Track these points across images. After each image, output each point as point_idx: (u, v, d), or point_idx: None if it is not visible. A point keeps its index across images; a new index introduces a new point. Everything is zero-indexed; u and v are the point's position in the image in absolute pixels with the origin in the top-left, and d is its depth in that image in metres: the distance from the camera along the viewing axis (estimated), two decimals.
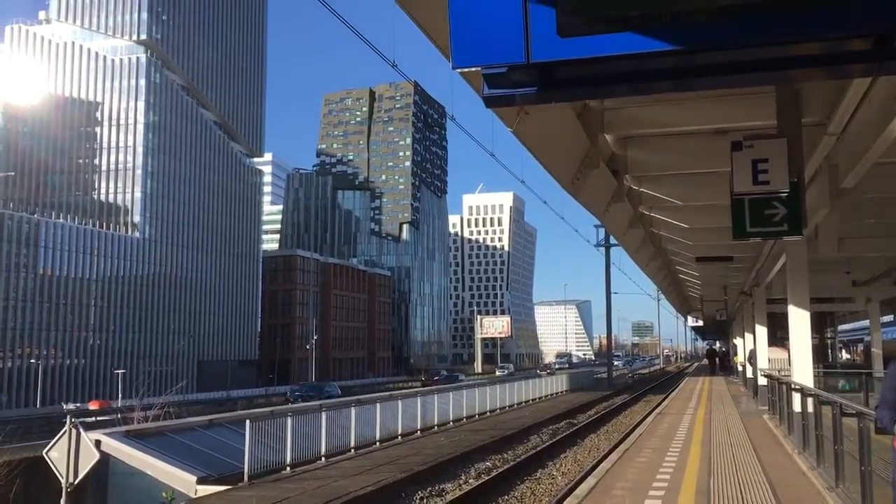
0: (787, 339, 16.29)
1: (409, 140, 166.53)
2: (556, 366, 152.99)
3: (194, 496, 14.60)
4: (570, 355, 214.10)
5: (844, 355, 54.80)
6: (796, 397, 13.50)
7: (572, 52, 2.73)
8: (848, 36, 2.58)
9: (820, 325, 33.74)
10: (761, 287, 24.57)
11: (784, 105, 7.85)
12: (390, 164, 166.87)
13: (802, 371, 13.81)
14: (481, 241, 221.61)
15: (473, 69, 2.90)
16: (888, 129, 7.47)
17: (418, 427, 23.19)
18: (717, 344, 77.16)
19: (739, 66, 2.79)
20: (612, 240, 53.01)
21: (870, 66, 2.77)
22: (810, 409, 11.91)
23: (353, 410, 19.35)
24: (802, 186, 7.45)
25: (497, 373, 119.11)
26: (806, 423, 12.31)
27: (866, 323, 35.69)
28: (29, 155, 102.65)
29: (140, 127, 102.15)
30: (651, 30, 2.67)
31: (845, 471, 8.95)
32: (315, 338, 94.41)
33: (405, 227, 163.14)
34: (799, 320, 14.04)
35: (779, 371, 20.74)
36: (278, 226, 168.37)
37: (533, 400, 38.68)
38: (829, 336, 37.28)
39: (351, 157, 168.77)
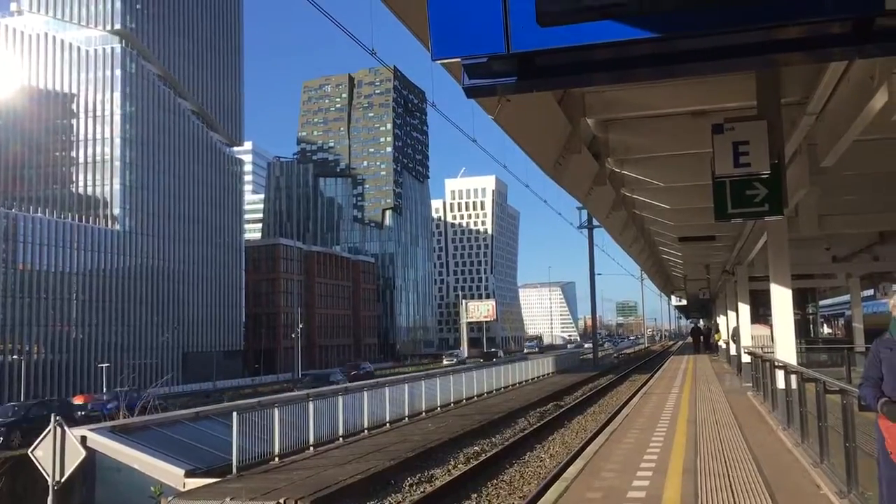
0: (770, 315, 16.42)
1: (389, 126, 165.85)
2: (526, 350, 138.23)
3: (183, 489, 14.56)
4: (540, 338, 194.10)
5: (826, 330, 55.44)
6: (780, 374, 13.63)
7: (552, 41, 2.72)
8: (827, 20, 2.58)
9: (801, 300, 34.05)
10: (743, 265, 24.75)
11: (763, 86, 7.88)
12: (371, 150, 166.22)
13: (785, 348, 13.93)
14: (464, 225, 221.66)
15: (454, 60, 2.88)
16: (867, 107, 7.50)
17: (406, 414, 23.24)
18: (701, 322, 77.75)
19: (719, 51, 2.79)
20: (596, 222, 53.19)
21: (849, 50, 2.78)
22: (794, 385, 12.02)
23: (340, 399, 19.36)
24: (783, 167, 7.49)
25: (444, 361, 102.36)
26: (790, 399, 12.43)
27: (847, 298, 36.07)
28: (4, 149, 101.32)
29: (117, 118, 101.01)
30: (630, 17, 2.66)
31: (830, 447, 9.04)
32: (300, 326, 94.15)
33: (388, 213, 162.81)
34: (781, 297, 14.14)
35: (762, 348, 20.92)
36: (260, 215, 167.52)
37: (520, 383, 38.88)
38: (810, 312, 37.62)
39: (332, 144, 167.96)
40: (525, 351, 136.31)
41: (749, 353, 22.52)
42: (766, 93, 7.85)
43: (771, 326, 16.99)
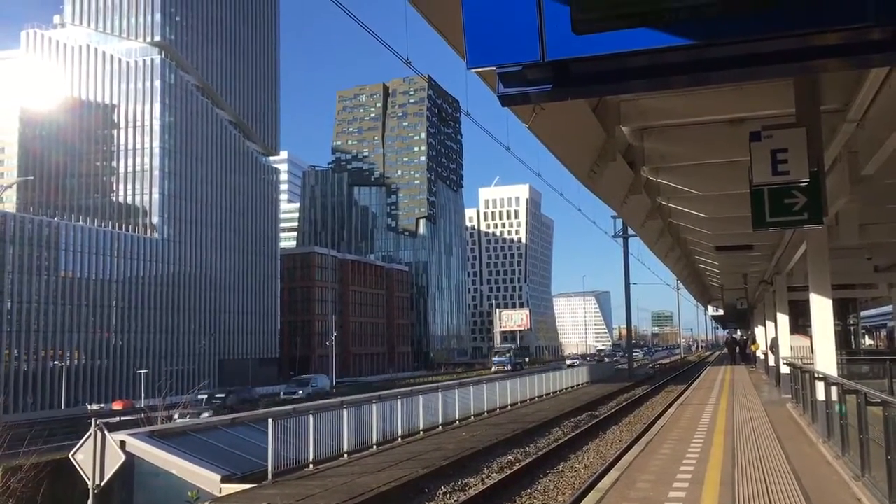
0: (809, 326, 16.16)
1: (423, 135, 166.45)
2: (495, 367, 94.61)
3: (219, 495, 14.70)
4: (512, 350, 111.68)
5: (868, 341, 54.35)
6: (820, 386, 13.40)
7: (587, 48, 2.73)
8: (866, 26, 2.55)
9: (842, 311, 33.42)
10: (782, 275, 24.40)
11: (802, 93, 7.77)
12: (405, 159, 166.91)
13: (826, 359, 13.70)
14: (498, 234, 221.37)
15: (489, 69, 2.90)
16: None
17: (440, 422, 23.23)
18: (738, 333, 76.64)
19: (756, 58, 2.77)
20: (631, 231, 52.81)
21: (889, 56, 2.74)
22: (834, 397, 11.81)
23: (374, 407, 19.41)
24: (822, 175, 7.38)
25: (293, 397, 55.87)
26: (830, 411, 12.22)
27: (889, 308, 35.35)
28: (47, 158, 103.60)
29: (156, 128, 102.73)
30: (666, 24, 2.65)
31: (871, 460, 8.87)
32: (334, 334, 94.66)
33: (422, 221, 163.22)
34: (821, 308, 13.92)
35: (801, 359, 20.59)
36: (295, 223, 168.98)
37: (554, 392, 38.65)
38: (851, 323, 36.90)
39: (366, 153, 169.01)
40: (494, 369, 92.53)
41: (788, 364, 22.18)
42: (805, 100, 7.74)
43: (810, 337, 16.72)
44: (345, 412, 17.76)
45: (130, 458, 15.29)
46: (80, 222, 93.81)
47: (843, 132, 9.65)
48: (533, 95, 3.02)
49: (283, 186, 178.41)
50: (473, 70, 2.96)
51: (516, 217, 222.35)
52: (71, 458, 11.47)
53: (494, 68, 2.88)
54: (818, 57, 2.73)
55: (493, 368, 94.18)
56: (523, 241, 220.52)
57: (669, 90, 9.64)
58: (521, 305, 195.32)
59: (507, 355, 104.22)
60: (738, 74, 2.94)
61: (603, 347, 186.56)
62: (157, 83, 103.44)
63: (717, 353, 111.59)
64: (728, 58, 2.78)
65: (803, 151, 6.88)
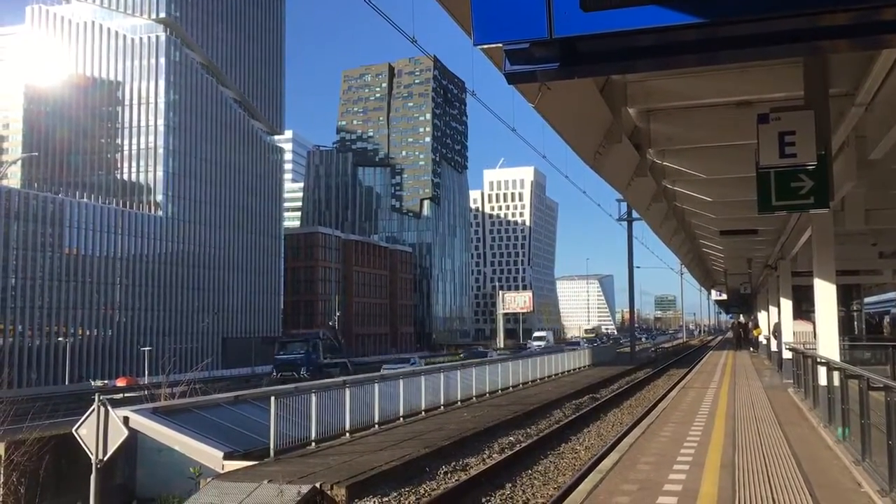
0: (813, 312, 16.15)
1: (428, 115, 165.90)
2: (276, 371, 55.05)
3: (221, 471, 14.78)
4: (318, 340, 59.49)
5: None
6: (822, 371, 13.41)
7: (595, 26, 2.70)
8: (876, 5, 2.52)
9: (845, 297, 33.36)
10: (786, 260, 24.37)
11: (811, 76, 7.71)
12: (410, 139, 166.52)
13: (828, 344, 13.69)
14: (502, 216, 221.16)
15: (495, 45, 2.88)
16: None
17: (441, 403, 23.30)
18: (742, 318, 76.68)
19: (765, 37, 2.75)
20: (635, 214, 52.74)
21: None
22: (836, 382, 11.82)
23: (376, 386, 19.46)
24: (829, 158, 7.34)
25: None
26: (832, 396, 12.24)
27: (893, 295, 35.33)
28: (52, 135, 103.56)
29: (161, 106, 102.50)
30: (675, 2, 2.63)
31: (872, 445, 8.89)
32: (338, 314, 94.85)
33: (426, 202, 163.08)
34: (825, 293, 13.89)
35: (804, 344, 20.60)
36: (299, 203, 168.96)
37: (556, 375, 38.74)
38: (854, 309, 36.83)
39: (371, 134, 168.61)
40: (275, 375, 53.57)
41: (790, 349, 22.20)
42: (814, 82, 7.69)
43: (813, 323, 16.72)
44: (347, 391, 17.82)
45: (133, 433, 15.38)
46: (85, 199, 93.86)
47: (851, 116, 9.58)
48: (539, 73, 3.00)
49: (288, 166, 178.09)
50: (480, 47, 2.94)
51: (521, 199, 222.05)
52: (74, 432, 11.53)
53: (501, 45, 2.86)
54: (828, 37, 2.71)
55: (275, 375, 54.03)
56: (527, 223, 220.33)
57: (677, 70, 9.60)
58: (525, 288, 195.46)
59: (305, 349, 56.74)
60: (747, 54, 2.92)
61: (544, 334, 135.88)
62: (162, 60, 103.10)
63: (720, 337, 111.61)
64: (737, 37, 2.75)
65: (811, 134, 6.84)
